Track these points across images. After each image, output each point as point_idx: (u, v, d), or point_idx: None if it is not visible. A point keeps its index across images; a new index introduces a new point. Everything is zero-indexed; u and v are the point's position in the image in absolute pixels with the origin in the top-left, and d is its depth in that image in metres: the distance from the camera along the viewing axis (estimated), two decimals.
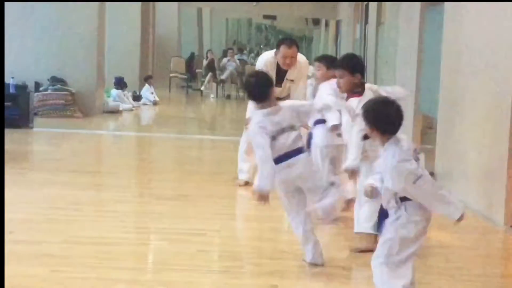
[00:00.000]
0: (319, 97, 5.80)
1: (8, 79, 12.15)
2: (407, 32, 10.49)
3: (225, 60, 22.20)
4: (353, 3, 19.51)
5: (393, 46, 11.49)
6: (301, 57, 7.41)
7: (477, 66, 6.90)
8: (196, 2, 27.97)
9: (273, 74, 7.07)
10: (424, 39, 9.55)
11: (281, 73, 7.34)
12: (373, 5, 14.81)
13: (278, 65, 7.26)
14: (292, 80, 7.43)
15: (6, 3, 13.13)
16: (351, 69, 5.10)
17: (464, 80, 7.28)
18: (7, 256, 4.46)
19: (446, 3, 8.09)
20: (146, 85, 17.94)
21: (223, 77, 21.33)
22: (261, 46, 40.04)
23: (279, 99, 7.17)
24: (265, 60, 7.32)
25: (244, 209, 6.88)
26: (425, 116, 9.96)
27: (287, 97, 7.38)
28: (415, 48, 9.82)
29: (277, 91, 7.38)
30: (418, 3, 9.78)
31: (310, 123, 5.98)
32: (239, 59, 24.24)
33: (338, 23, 23.40)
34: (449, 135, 7.73)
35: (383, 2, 13.74)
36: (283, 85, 7.38)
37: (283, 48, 7.17)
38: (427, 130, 10.65)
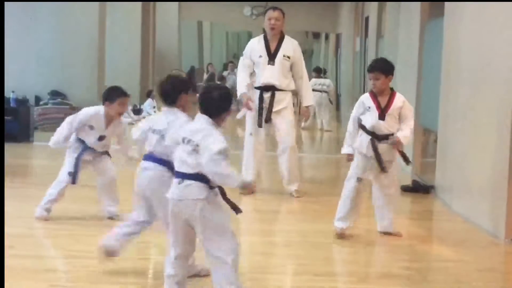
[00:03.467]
0: None
1: (8, 93, 12.16)
2: (407, 45, 10.51)
3: (225, 73, 22.26)
4: (353, 16, 19.57)
5: (393, 59, 11.48)
6: (291, 40, 7.68)
7: (477, 79, 6.90)
8: (196, 16, 28.05)
9: (261, 49, 7.49)
10: (424, 52, 9.57)
11: (271, 48, 7.52)
12: (373, 18, 14.85)
13: (266, 40, 7.56)
14: (288, 57, 7.51)
15: (7, 19, 13.18)
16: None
17: (464, 93, 7.28)
18: (7, 271, 4.45)
19: (445, 16, 8.11)
20: (149, 99, 17.93)
21: None
22: None
23: (274, 88, 7.38)
24: (250, 44, 7.71)
25: (239, 223, 6.87)
26: (426, 129, 9.96)
27: (289, 81, 7.51)
28: (415, 61, 9.84)
29: (270, 70, 7.55)
30: (417, 17, 9.80)
31: None
32: None
33: (338, 37, 23.44)
34: (450, 148, 7.72)
35: (383, 16, 13.78)
36: (277, 61, 7.49)
37: (268, 12, 7.63)
38: (427, 143, 10.65)
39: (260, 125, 7.53)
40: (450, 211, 7.29)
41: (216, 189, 3.95)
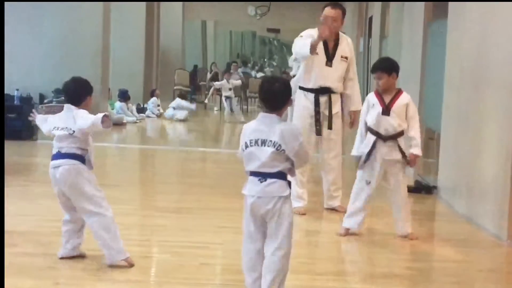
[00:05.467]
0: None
1: (13, 91, 12.20)
2: (410, 45, 10.51)
3: (226, 76, 22.18)
4: (356, 16, 19.58)
5: (396, 59, 11.48)
6: (347, 37, 7.03)
7: (481, 80, 6.91)
8: (200, 16, 28.07)
9: (320, 51, 6.72)
10: (427, 52, 9.57)
11: (329, 48, 6.82)
12: (376, 19, 14.85)
13: (323, 40, 6.70)
14: (346, 58, 6.89)
15: (13, 17, 13.21)
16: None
17: (468, 93, 7.29)
18: (11, 269, 4.47)
19: (449, 17, 8.11)
20: (154, 98, 17.97)
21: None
22: (265, 59, 40.06)
23: (330, 91, 6.62)
24: (308, 31, 6.80)
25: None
26: (428, 129, 9.97)
27: (341, 84, 6.84)
28: (419, 61, 9.84)
29: (327, 71, 6.78)
30: (421, 17, 9.80)
31: None
32: (243, 72, 24.28)
33: None
34: (453, 149, 7.73)
35: (387, 16, 13.78)
36: (334, 63, 6.84)
37: (326, 10, 6.79)
38: (429, 142, 10.64)
39: (319, 133, 6.83)
40: (453, 212, 7.30)
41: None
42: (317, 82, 6.84)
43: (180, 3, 25.26)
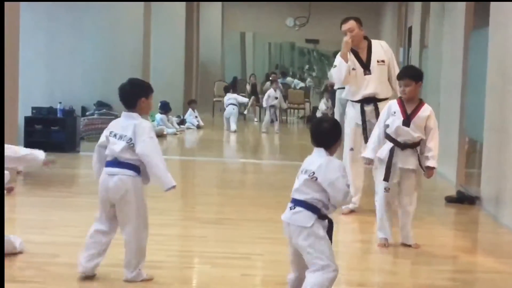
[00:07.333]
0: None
1: (56, 104, 12.40)
2: (451, 55, 10.41)
3: (267, 84, 22.19)
4: (396, 26, 19.46)
5: (437, 69, 11.41)
6: (379, 41, 7.36)
7: None
8: (239, 27, 28.20)
9: (354, 64, 7.05)
10: (468, 62, 9.47)
11: (363, 58, 7.12)
12: (416, 28, 14.73)
13: (354, 52, 7.13)
14: (383, 61, 7.13)
15: (55, 31, 13.45)
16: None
17: (510, 102, 7.18)
18: (51, 279, 4.53)
19: (490, 26, 8.02)
20: (190, 109, 18.11)
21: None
22: (304, 70, 40.05)
23: (375, 99, 6.88)
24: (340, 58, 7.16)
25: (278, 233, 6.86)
26: (470, 139, 9.86)
27: (388, 88, 7.06)
28: (460, 71, 9.74)
29: (367, 80, 7.07)
30: (461, 27, 9.71)
31: None
32: (282, 83, 24.28)
33: None
34: (496, 159, 7.62)
35: (426, 25, 13.68)
36: (373, 69, 7.09)
37: (342, 26, 7.20)
38: (472, 153, 10.53)
39: (367, 141, 6.69)
40: (496, 223, 7.19)
41: (325, 222, 4.10)
42: (360, 93, 7.12)
43: (220, 14, 25.41)
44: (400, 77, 5.91)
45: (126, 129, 4.63)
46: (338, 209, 5.65)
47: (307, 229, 4.01)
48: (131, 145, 4.60)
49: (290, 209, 4.10)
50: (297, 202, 4.08)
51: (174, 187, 4.63)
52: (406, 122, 5.75)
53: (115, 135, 4.66)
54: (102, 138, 4.77)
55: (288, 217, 4.10)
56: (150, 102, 4.83)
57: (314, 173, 4.02)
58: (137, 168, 4.63)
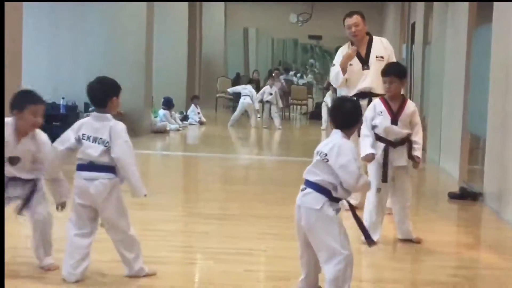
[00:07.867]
0: None
1: (59, 100, 12.42)
2: (454, 51, 10.40)
3: (270, 81, 22.19)
4: (399, 22, 19.45)
5: (440, 65, 11.40)
6: (380, 38, 7.39)
7: None
8: (242, 23, 28.18)
9: (354, 61, 7.07)
10: (471, 58, 9.47)
11: (362, 53, 7.14)
12: (419, 25, 14.72)
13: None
14: (382, 57, 7.13)
15: (57, 26, 13.46)
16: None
17: None
18: (51, 273, 4.54)
19: (494, 22, 8.01)
20: (192, 105, 18.13)
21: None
22: (306, 66, 40.06)
23: (370, 94, 6.88)
24: (341, 51, 7.29)
25: (289, 229, 6.86)
26: (473, 135, 9.85)
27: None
28: (463, 67, 9.74)
29: (365, 75, 7.10)
30: (465, 23, 9.70)
31: None
32: (285, 79, 24.27)
33: None
34: (499, 155, 7.62)
35: (430, 22, 13.66)
36: (371, 65, 7.11)
37: (346, 20, 7.19)
38: (475, 149, 10.52)
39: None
40: (499, 219, 7.19)
41: (338, 204, 4.07)
42: (357, 86, 7.13)
43: (222, 10, 25.41)
44: (385, 73, 5.86)
45: (101, 131, 4.52)
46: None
47: (316, 211, 3.99)
48: (109, 148, 4.50)
49: (302, 190, 4.08)
50: (308, 184, 4.07)
51: (145, 195, 4.58)
52: (394, 121, 5.78)
53: (88, 138, 4.54)
54: (71, 141, 4.62)
55: (299, 198, 4.09)
56: (119, 101, 4.68)
57: (326, 155, 4.01)
58: (114, 169, 4.55)
